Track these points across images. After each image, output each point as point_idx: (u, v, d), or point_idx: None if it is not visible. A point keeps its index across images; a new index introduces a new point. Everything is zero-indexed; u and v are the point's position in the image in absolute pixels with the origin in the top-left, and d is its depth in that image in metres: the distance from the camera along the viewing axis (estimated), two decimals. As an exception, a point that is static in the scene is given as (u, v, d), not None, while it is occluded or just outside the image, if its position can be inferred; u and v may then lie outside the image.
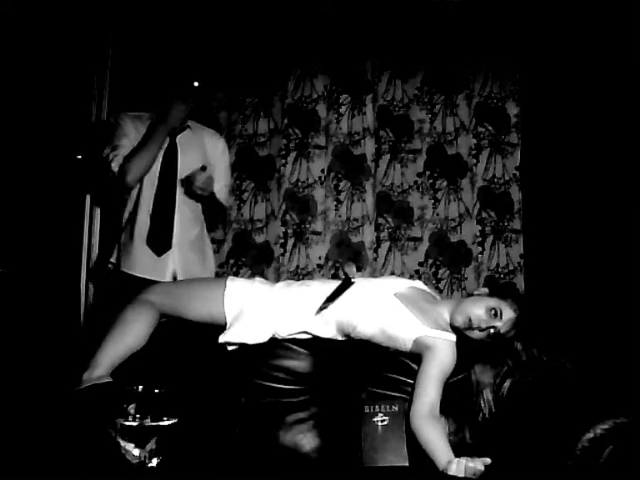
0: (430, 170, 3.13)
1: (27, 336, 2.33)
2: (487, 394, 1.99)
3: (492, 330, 1.97)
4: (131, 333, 1.96)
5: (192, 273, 2.54)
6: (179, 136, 2.58)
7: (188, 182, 2.48)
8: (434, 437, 1.79)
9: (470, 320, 1.98)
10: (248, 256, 3.10)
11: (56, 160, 2.91)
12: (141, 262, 2.51)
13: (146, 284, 2.34)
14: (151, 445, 1.02)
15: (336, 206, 3.12)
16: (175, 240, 2.54)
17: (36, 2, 2.78)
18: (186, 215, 2.58)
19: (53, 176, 2.90)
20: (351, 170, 3.13)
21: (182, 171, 2.53)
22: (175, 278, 2.53)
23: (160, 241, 2.52)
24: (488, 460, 1.67)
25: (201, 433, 1.88)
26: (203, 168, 2.45)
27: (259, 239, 3.11)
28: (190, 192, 2.50)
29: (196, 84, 2.56)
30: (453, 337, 2.00)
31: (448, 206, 3.11)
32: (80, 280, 2.97)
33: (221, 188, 2.67)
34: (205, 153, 2.64)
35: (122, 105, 2.90)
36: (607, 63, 2.82)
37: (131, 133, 2.52)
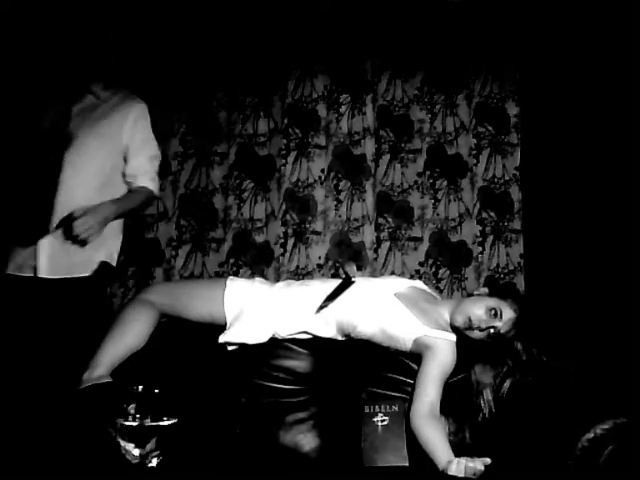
0: (430, 170, 3.13)
1: (26, 335, 2.33)
2: (487, 394, 1.99)
3: (492, 330, 1.98)
4: (131, 333, 1.96)
5: (63, 266, 2.13)
6: (78, 106, 2.21)
7: (66, 226, 2.09)
8: (434, 437, 1.80)
9: (470, 320, 1.98)
10: (248, 256, 3.10)
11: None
12: (12, 254, 2.16)
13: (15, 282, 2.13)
14: (151, 445, 1.02)
15: (336, 206, 3.12)
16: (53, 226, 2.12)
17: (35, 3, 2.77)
18: (78, 195, 2.14)
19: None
20: (351, 170, 3.13)
21: (75, 148, 2.14)
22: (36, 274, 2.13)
23: (31, 227, 2.09)
24: (488, 460, 1.67)
25: (201, 433, 1.88)
26: (74, 215, 2.07)
27: (259, 239, 3.11)
28: (70, 237, 2.10)
29: None
30: (453, 337, 2.00)
31: (448, 206, 3.10)
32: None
33: (144, 162, 2.27)
34: (112, 122, 2.23)
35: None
36: (607, 63, 2.82)
37: None
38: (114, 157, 2.24)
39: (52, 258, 2.13)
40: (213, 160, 3.16)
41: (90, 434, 1.62)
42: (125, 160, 2.26)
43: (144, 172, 2.29)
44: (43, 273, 2.12)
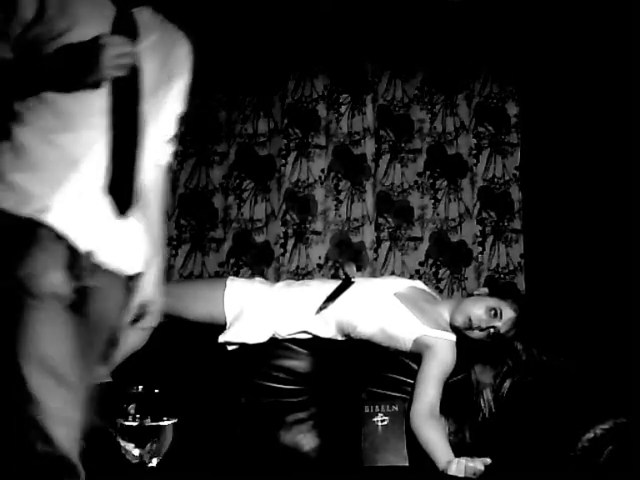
0: (430, 170, 3.13)
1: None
2: (487, 394, 1.99)
3: (492, 330, 1.98)
4: (131, 333, 1.96)
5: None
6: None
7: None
8: (434, 437, 1.80)
9: (470, 320, 1.98)
10: (248, 256, 3.10)
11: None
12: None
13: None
14: (151, 445, 1.02)
15: (336, 206, 3.11)
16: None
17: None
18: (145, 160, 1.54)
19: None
20: (351, 170, 3.13)
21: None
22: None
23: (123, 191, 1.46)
24: (488, 460, 1.67)
25: (201, 433, 1.88)
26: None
27: (259, 239, 3.11)
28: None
29: None
30: (453, 337, 2.00)
31: (448, 206, 3.10)
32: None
33: (172, 123, 1.68)
34: (167, 58, 1.60)
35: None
36: (607, 62, 2.82)
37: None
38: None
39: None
40: (213, 160, 3.16)
41: (90, 434, 1.62)
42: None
43: (169, 140, 1.70)
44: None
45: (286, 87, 3.15)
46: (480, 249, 3.08)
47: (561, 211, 2.93)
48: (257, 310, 2.03)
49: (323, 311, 2.02)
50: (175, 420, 1.04)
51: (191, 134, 3.16)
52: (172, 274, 3.07)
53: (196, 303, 2.06)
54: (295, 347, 2.07)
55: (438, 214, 3.10)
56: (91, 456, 1.57)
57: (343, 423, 1.95)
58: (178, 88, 1.64)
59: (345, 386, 2.04)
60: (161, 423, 1.03)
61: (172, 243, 3.10)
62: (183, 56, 1.66)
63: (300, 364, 2.07)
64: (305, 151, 3.13)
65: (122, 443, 1.02)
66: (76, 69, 1.31)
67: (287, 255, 3.07)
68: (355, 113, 3.15)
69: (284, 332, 2.05)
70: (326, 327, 2.05)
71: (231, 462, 1.86)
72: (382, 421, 1.88)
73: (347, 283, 2.10)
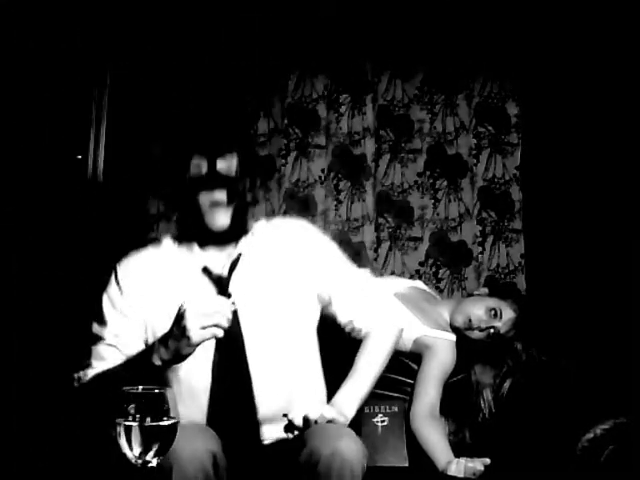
0: (430, 170, 3.13)
1: (28, 334, 2.33)
2: (487, 394, 2.00)
3: (492, 330, 1.98)
4: None
5: None
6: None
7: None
8: (434, 437, 1.80)
9: (470, 320, 1.98)
10: (248, 256, 3.10)
11: (47, 218, 2.70)
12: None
13: None
14: (151, 445, 1.02)
15: (336, 206, 3.11)
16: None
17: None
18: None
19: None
20: (351, 170, 3.13)
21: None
22: None
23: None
24: (488, 460, 1.67)
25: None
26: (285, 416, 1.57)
27: (259, 239, 3.11)
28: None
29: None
30: (453, 337, 2.00)
31: (448, 206, 3.10)
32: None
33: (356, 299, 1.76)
34: (291, 268, 1.67)
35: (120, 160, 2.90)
36: (608, 62, 2.82)
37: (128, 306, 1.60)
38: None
39: None
40: (213, 160, 3.15)
41: (90, 434, 1.62)
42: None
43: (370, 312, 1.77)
44: None
45: (286, 87, 3.15)
46: (480, 249, 3.08)
47: (561, 211, 2.93)
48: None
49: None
50: (175, 420, 1.04)
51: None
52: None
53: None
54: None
55: (438, 214, 3.10)
56: (91, 456, 1.57)
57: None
58: (327, 266, 1.73)
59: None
60: (161, 423, 1.02)
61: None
62: (316, 247, 1.72)
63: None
64: (305, 151, 3.13)
65: (122, 443, 1.02)
66: (170, 344, 1.35)
67: (287, 255, 3.07)
68: (355, 113, 3.15)
69: (284, 332, 2.04)
70: (326, 327, 2.04)
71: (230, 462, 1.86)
72: (382, 421, 1.88)
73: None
